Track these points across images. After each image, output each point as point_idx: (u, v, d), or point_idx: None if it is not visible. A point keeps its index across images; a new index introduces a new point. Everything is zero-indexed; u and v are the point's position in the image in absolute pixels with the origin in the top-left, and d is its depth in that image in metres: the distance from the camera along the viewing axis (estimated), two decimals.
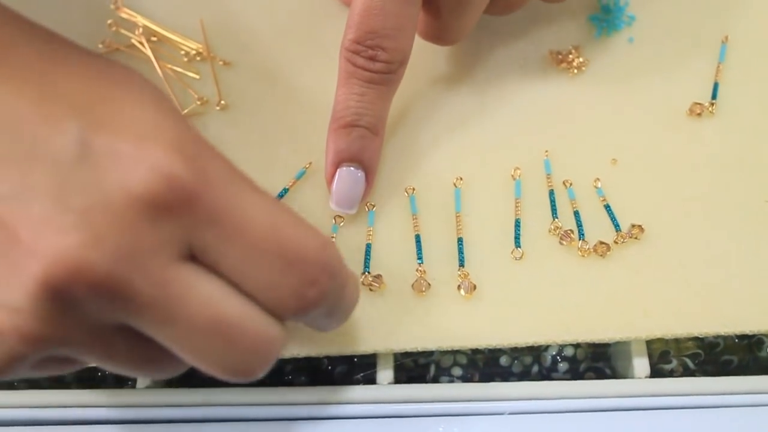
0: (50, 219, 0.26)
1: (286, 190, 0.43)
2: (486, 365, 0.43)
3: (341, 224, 0.42)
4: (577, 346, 0.43)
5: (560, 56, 0.47)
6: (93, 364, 0.30)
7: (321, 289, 0.29)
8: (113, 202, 0.26)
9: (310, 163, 0.43)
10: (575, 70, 0.46)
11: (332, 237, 0.42)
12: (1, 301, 0.26)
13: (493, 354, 0.43)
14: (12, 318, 0.26)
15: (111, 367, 0.30)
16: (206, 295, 0.28)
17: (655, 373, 0.40)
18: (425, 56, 0.47)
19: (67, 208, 0.26)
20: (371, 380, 0.41)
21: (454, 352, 0.43)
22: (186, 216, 0.27)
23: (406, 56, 0.41)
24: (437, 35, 0.43)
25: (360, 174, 0.41)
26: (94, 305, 0.26)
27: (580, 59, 0.46)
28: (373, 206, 0.42)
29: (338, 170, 0.41)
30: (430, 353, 0.43)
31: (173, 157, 0.27)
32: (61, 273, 0.25)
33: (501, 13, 0.44)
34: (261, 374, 0.30)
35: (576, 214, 0.42)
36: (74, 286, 0.26)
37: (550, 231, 0.41)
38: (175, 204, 0.26)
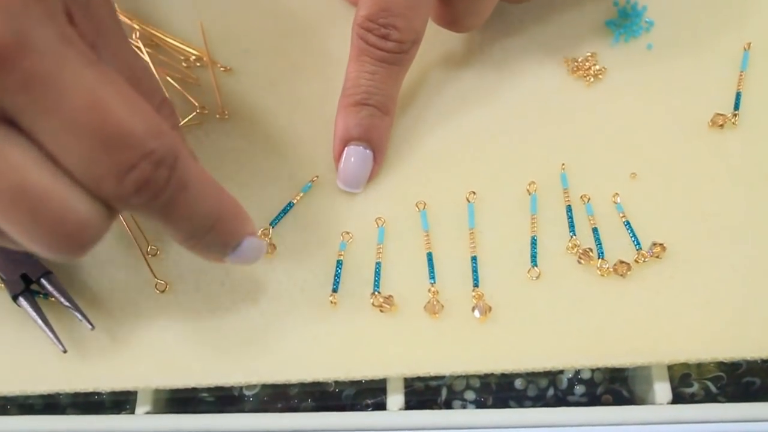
0: None
1: (291, 204, 0.41)
2: (500, 389, 0.41)
3: (350, 241, 0.40)
4: (594, 369, 0.41)
5: (576, 64, 0.45)
6: None
7: (142, 178, 0.28)
8: None
9: (317, 177, 0.42)
10: (592, 78, 0.44)
11: (340, 254, 0.40)
12: None
13: (507, 377, 0.41)
14: None
15: None
16: (11, 160, 0.27)
17: (676, 396, 0.39)
18: (436, 66, 0.45)
19: None
20: (381, 405, 0.39)
21: (467, 375, 0.41)
22: None
23: (419, 36, 0.40)
24: (452, 20, 0.42)
25: (368, 153, 0.41)
26: None
27: (597, 67, 0.45)
28: (383, 222, 0.41)
29: (346, 148, 0.41)
30: (442, 376, 0.41)
31: None
32: None
33: (518, 0, 0.43)
34: (76, 255, 0.29)
35: (594, 231, 0.40)
36: None
37: (567, 249, 0.40)
38: None
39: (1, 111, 0.26)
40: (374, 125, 0.40)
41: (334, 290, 0.39)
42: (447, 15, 0.41)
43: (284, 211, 0.41)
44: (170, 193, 0.29)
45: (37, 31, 0.26)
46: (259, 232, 0.40)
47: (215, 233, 0.32)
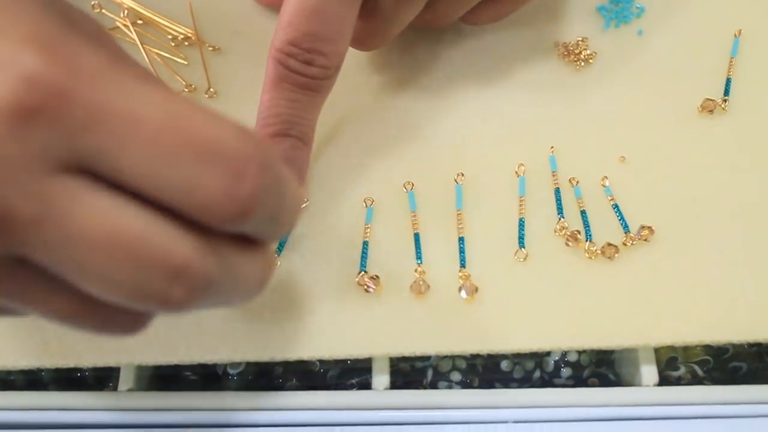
0: None
1: None
2: (486, 370, 0.41)
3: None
4: (581, 351, 0.41)
5: (567, 48, 0.45)
6: None
7: (254, 184, 0.24)
8: None
9: None
10: (582, 63, 0.44)
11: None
12: None
13: (494, 359, 0.41)
14: None
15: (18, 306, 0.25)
16: (99, 209, 0.23)
17: (663, 380, 0.39)
18: (426, 47, 0.45)
19: None
20: (366, 385, 0.39)
21: (453, 356, 0.41)
22: (59, 118, 0.22)
23: (341, 61, 0.37)
24: (362, 40, 0.39)
25: None
26: None
27: (588, 52, 0.44)
28: (371, 202, 0.40)
29: None
30: (428, 357, 0.41)
31: (31, 54, 0.22)
32: None
33: (427, 27, 0.42)
34: (186, 304, 0.25)
35: (583, 213, 0.40)
36: None
37: (555, 231, 0.39)
38: (40, 106, 0.22)
39: (73, 159, 0.23)
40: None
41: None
42: (358, 34, 0.39)
43: None
44: (280, 191, 0.26)
45: (85, 56, 0.23)
46: None
47: (297, 216, 0.29)
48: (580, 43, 0.45)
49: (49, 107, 0.22)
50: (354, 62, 0.44)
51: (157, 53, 0.45)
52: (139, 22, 0.46)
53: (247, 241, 0.27)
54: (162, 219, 0.24)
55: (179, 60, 0.45)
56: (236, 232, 0.25)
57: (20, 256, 0.23)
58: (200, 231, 0.25)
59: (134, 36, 0.45)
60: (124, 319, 0.26)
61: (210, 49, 0.45)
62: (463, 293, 0.38)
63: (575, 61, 0.44)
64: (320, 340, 0.37)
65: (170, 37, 0.46)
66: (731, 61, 0.44)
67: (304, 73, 0.36)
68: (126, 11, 0.46)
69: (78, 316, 0.25)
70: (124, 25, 0.46)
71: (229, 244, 0.26)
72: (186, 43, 0.46)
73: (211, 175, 0.23)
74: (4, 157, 0.22)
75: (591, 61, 0.44)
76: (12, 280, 0.24)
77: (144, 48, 0.45)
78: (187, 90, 0.44)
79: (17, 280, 0.24)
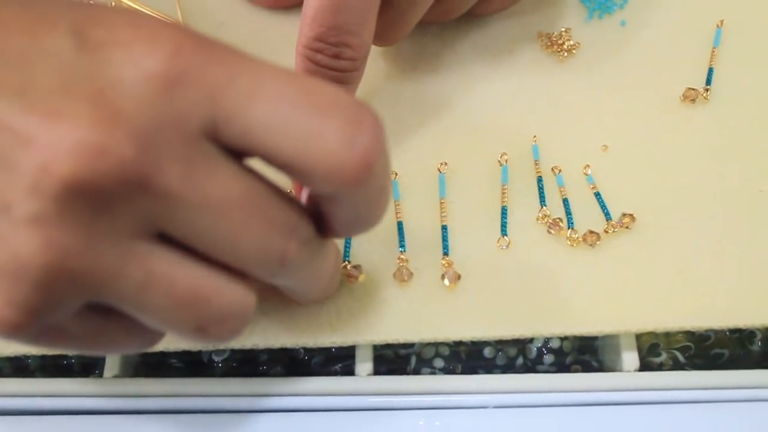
0: (60, 111, 0.23)
1: None
2: (469, 357, 0.41)
3: None
4: (563, 338, 0.41)
5: (550, 39, 0.45)
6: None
7: (373, 136, 0.26)
8: (125, 81, 0.24)
9: None
10: (565, 54, 0.45)
11: None
12: (18, 216, 0.23)
13: (477, 345, 0.41)
14: (33, 234, 0.23)
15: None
16: (229, 175, 0.26)
17: (644, 366, 0.39)
18: (410, 39, 0.45)
19: (77, 97, 0.23)
20: (349, 372, 0.39)
21: (437, 344, 0.41)
22: (200, 82, 0.25)
23: (368, 52, 0.38)
24: (380, 34, 0.39)
25: None
26: (122, 199, 0.24)
27: (571, 42, 0.45)
28: None
29: None
30: (411, 344, 0.41)
31: (180, 39, 0.25)
32: (86, 160, 0.23)
33: (438, 19, 0.42)
34: (296, 261, 0.28)
35: (565, 201, 0.40)
36: (100, 174, 0.23)
37: (538, 219, 0.40)
38: (186, 70, 0.24)
39: (209, 122, 0.25)
40: None
41: None
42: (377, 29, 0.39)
43: None
44: (388, 169, 0.29)
45: (224, 54, 0.26)
46: None
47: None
48: (563, 33, 0.45)
49: (191, 72, 0.24)
50: None
51: None
52: None
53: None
54: (220, 275, 0.27)
55: None
56: (352, 194, 0.27)
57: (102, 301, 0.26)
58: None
59: None
60: (145, 336, 0.29)
61: None
62: (446, 280, 0.38)
63: (558, 51, 0.45)
64: (304, 328, 0.38)
65: None
66: (713, 51, 0.44)
67: (333, 67, 0.37)
68: (113, 3, 0.46)
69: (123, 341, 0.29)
70: None
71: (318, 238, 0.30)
72: None
73: (332, 125, 0.25)
74: (159, 120, 0.24)
75: (574, 51, 0.45)
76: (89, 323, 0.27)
77: None
78: None
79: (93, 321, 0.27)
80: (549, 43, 0.45)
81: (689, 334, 0.41)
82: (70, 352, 0.40)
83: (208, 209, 0.25)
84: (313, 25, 0.36)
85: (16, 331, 0.25)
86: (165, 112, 0.24)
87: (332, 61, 0.37)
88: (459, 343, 0.41)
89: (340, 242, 0.39)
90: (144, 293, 0.26)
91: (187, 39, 0.25)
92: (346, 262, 0.39)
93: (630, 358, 0.38)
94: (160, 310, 0.26)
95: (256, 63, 0.26)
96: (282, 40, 0.45)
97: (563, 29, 0.45)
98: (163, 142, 0.24)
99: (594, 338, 0.41)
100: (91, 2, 0.29)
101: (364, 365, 0.38)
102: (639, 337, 0.40)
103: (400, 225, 0.40)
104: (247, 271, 0.28)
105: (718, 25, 0.45)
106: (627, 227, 0.39)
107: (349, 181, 0.26)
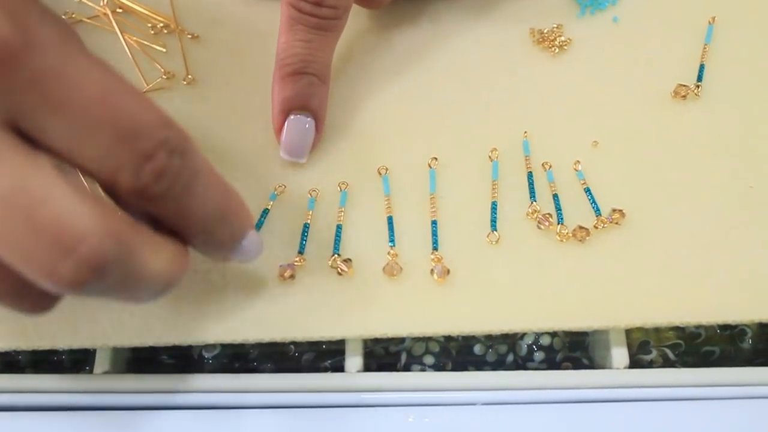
0: None
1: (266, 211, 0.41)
2: (459, 354, 0.41)
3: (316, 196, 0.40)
4: (553, 334, 0.41)
5: (542, 35, 0.45)
6: None
7: (159, 167, 0.27)
8: None
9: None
10: (557, 49, 0.45)
11: (309, 215, 0.40)
12: None
13: (467, 342, 0.41)
14: None
15: None
16: (12, 164, 0.25)
17: (634, 363, 0.39)
18: (401, 33, 0.45)
19: None
20: (339, 368, 0.39)
21: (427, 340, 0.41)
22: (5, 77, 0.25)
23: (350, 3, 0.40)
24: None
25: (310, 121, 0.41)
26: None
27: (562, 38, 0.45)
28: (346, 186, 0.41)
29: (287, 119, 0.40)
30: (402, 340, 0.41)
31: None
32: None
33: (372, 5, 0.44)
34: (75, 284, 0.26)
35: (555, 197, 0.40)
36: None
37: (527, 214, 0.40)
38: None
39: (7, 113, 0.25)
40: (314, 93, 0.40)
41: (300, 252, 0.39)
42: None
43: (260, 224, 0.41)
44: (185, 181, 0.28)
45: (41, 26, 0.25)
46: None
47: (225, 224, 0.32)
48: (555, 29, 0.45)
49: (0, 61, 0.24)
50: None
51: (136, 41, 0.45)
52: (119, 11, 0.46)
53: (159, 236, 0.29)
54: (72, 192, 0.25)
55: (158, 48, 0.45)
56: (144, 211, 0.28)
57: None
58: (109, 212, 0.26)
59: (114, 24, 0.46)
60: (31, 295, 0.28)
61: (188, 36, 0.46)
62: (435, 275, 0.38)
63: (550, 47, 0.45)
64: (294, 322, 0.38)
65: (150, 25, 0.46)
66: (705, 48, 0.44)
67: (315, 14, 0.39)
68: (106, 0, 0.46)
69: None
70: (104, 14, 0.46)
71: (138, 234, 0.28)
72: (165, 32, 0.46)
73: (125, 151, 0.26)
74: None
75: (566, 47, 0.45)
76: None
77: (123, 36, 0.45)
78: (165, 77, 0.44)
79: None
80: (541, 39, 0.45)
81: (679, 331, 0.41)
82: None
83: None
84: None
85: None
86: None
87: (314, 8, 0.39)
88: (449, 340, 0.41)
89: (331, 237, 0.39)
90: None
91: (6, 25, 0.25)
92: (336, 256, 0.39)
93: (619, 354, 0.38)
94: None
95: (77, 68, 0.26)
96: (275, 38, 0.45)
97: (555, 25, 0.45)
98: None
99: (584, 335, 0.41)
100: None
101: (353, 361, 0.38)
102: (629, 334, 0.40)
103: (389, 220, 0.40)
104: None
105: (710, 22, 0.45)
106: (617, 223, 0.39)
107: (136, 196, 0.27)
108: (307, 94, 0.40)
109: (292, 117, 0.40)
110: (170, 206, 0.29)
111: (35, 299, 0.28)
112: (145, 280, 0.29)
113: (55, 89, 0.25)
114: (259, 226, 0.40)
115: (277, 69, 0.41)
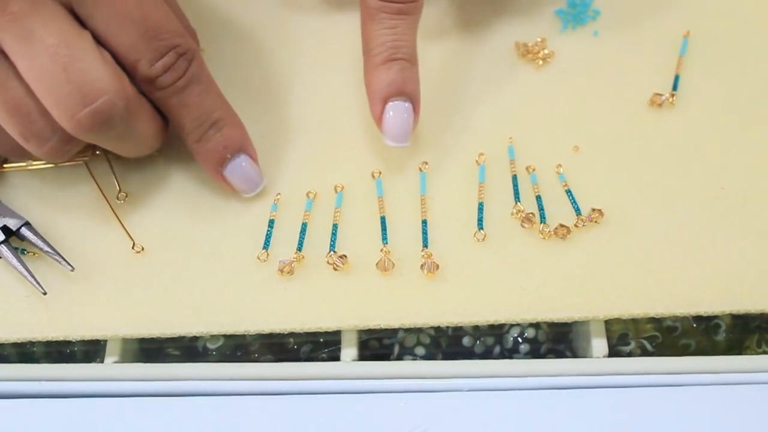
0: None
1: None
2: (449, 345, 0.44)
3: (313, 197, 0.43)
4: (538, 327, 0.44)
5: (527, 48, 0.48)
6: None
7: (168, 63, 0.38)
8: None
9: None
10: (541, 62, 0.47)
11: (307, 215, 0.43)
12: None
13: (456, 334, 0.44)
14: None
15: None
16: (61, 27, 0.35)
17: (614, 354, 0.41)
18: None
19: None
20: (335, 359, 0.41)
21: (418, 332, 0.43)
22: None
23: None
24: None
25: (408, 105, 0.42)
26: None
27: (546, 51, 0.48)
28: (342, 188, 0.43)
29: (387, 106, 0.41)
30: (394, 333, 0.44)
31: None
32: None
33: None
34: (86, 128, 0.35)
35: (538, 198, 0.43)
36: None
37: (512, 214, 0.42)
38: None
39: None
40: (408, 77, 0.41)
41: (299, 249, 0.42)
42: None
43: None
44: (187, 80, 0.39)
45: None
46: None
47: (218, 129, 0.41)
48: (539, 43, 0.48)
49: None
50: (326, 60, 0.48)
51: None
52: None
53: (154, 111, 0.40)
54: (102, 60, 0.36)
55: None
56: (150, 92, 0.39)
57: None
58: (126, 82, 0.37)
59: None
60: (51, 140, 0.37)
61: None
62: (425, 270, 0.40)
63: (534, 59, 0.47)
64: (292, 314, 0.40)
65: None
66: (680, 60, 0.47)
67: (397, 0, 0.40)
68: None
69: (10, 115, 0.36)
70: None
71: (142, 104, 0.39)
72: None
73: (147, 46, 0.37)
74: None
75: (549, 60, 0.48)
76: None
77: None
78: None
79: None
80: (526, 52, 0.48)
81: (657, 323, 0.43)
82: None
83: (26, 41, 0.35)
84: None
85: None
86: None
87: None
88: (439, 332, 0.43)
89: (327, 236, 0.42)
90: None
91: None
92: (332, 253, 0.41)
93: (599, 344, 0.41)
94: None
95: None
96: (277, 55, 0.48)
97: (539, 39, 0.48)
98: None
99: (567, 327, 0.44)
100: None
101: (348, 351, 0.41)
102: (609, 326, 0.42)
103: (383, 219, 0.42)
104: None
105: (684, 36, 0.48)
106: (596, 222, 0.42)
107: (149, 81, 0.38)
108: (401, 80, 0.41)
109: (390, 104, 0.41)
110: (173, 100, 0.39)
111: (55, 144, 0.37)
112: (135, 139, 0.39)
113: None
114: (267, 238, 0.42)
115: (367, 59, 0.42)
